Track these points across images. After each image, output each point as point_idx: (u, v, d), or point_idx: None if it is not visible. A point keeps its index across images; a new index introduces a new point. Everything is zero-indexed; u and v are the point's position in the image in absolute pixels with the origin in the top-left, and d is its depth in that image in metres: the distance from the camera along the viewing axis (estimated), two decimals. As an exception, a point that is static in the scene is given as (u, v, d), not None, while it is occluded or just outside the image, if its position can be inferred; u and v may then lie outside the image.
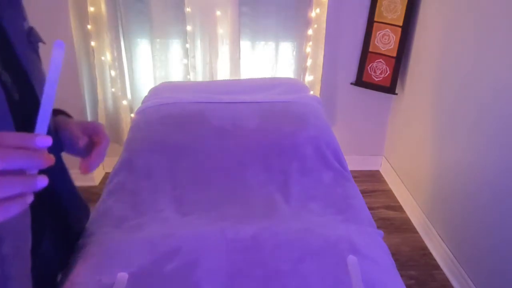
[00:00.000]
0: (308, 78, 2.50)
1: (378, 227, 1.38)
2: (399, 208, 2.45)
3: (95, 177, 2.64)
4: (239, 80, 2.34)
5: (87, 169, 0.73)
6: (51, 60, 0.43)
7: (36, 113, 0.44)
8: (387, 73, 2.44)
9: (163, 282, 1.02)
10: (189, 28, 2.32)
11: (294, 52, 2.50)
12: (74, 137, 0.73)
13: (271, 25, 2.42)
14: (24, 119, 0.55)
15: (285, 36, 2.47)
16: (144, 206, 1.38)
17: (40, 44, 0.69)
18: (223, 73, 2.47)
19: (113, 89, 2.43)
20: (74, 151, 0.75)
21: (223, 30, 2.37)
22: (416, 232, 2.24)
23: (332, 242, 1.17)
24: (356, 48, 2.50)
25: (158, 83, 2.35)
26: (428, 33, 2.21)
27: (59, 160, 0.74)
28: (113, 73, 2.37)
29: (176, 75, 2.47)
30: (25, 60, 0.58)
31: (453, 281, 1.88)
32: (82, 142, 0.73)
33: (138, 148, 1.60)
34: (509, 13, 1.56)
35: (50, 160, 0.41)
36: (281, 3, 2.37)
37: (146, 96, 2.01)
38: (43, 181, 0.41)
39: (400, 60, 2.39)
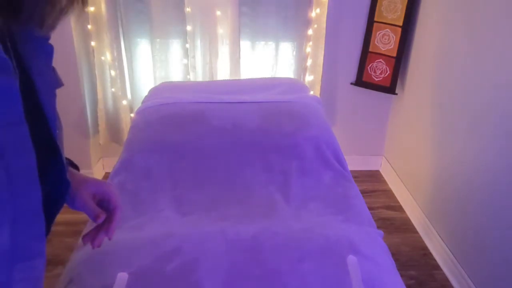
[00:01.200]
0: (308, 78, 2.50)
1: (378, 227, 1.39)
2: (399, 208, 2.45)
3: (95, 177, 2.64)
4: (239, 80, 2.34)
5: (100, 245, 0.72)
6: None
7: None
8: (387, 73, 2.44)
9: (163, 281, 1.02)
10: (189, 28, 2.32)
11: (294, 52, 2.50)
12: (91, 213, 0.71)
13: (271, 25, 2.42)
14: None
15: (285, 36, 2.46)
16: (144, 206, 1.38)
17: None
18: (223, 73, 2.47)
19: (113, 89, 2.43)
20: (82, 211, 0.73)
21: (223, 30, 2.37)
22: (416, 232, 2.24)
23: (332, 242, 1.17)
24: (356, 48, 2.50)
25: (158, 83, 2.35)
26: (428, 33, 2.21)
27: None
28: (113, 73, 2.37)
29: (176, 75, 2.47)
30: (51, 115, 0.56)
31: (453, 281, 1.88)
32: (101, 219, 0.71)
33: (138, 148, 1.60)
34: (509, 13, 1.56)
35: None
36: (281, 3, 2.37)
37: (146, 96, 2.01)
38: None
39: (400, 60, 2.39)
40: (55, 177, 0.59)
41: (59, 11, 0.48)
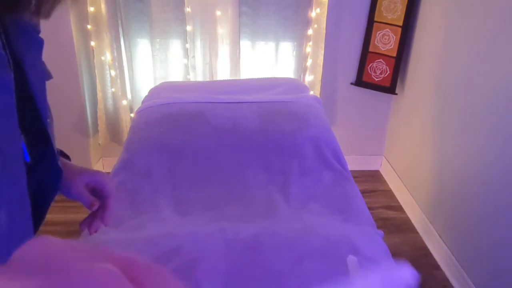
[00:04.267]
0: (308, 78, 2.50)
1: (378, 227, 1.39)
2: (399, 208, 2.45)
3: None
4: (239, 80, 2.34)
5: (96, 230, 0.77)
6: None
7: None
8: (387, 73, 2.44)
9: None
10: (189, 28, 2.32)
11: (294, 52, 2.50)
12: (86, 201, 0.74)
13: (271, 25, 2.42)
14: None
15: (285, 36, 2.46)
16: (144, 206, 1.39)
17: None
18: (223, 73, 2.47)
19: (113, 89, 2.42)
20: (77, 199, 0.76)
21: (223, 30, 2.37)
22: (416, 232, 2.24)
23: (332, 242, 1.17)
24: (356, 48, 2.49)
25: (158, 83, 2.35)
26: (428, 33, 2.21)
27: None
28: (113, 73, 2.37)
29: (176, 75, 2.47)
30: (42, 106, 0.58)
31: (453, 281, 1.88)
32: (95, 207, 0.75)
33: (138, 148, 1.60)
34: (510, 13, 1.56)
35: None
36: (281, 3, 2.37)
37: (146, 96, 2.01)
38: None
39: (400, 60, 2.38)
40: (46, 164, 0.61)
41: None
